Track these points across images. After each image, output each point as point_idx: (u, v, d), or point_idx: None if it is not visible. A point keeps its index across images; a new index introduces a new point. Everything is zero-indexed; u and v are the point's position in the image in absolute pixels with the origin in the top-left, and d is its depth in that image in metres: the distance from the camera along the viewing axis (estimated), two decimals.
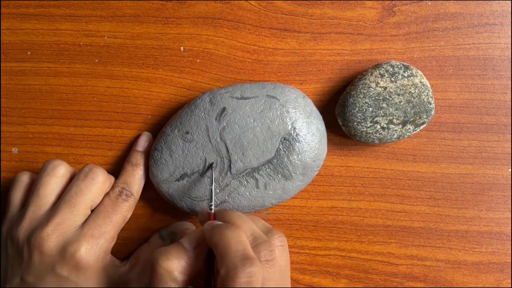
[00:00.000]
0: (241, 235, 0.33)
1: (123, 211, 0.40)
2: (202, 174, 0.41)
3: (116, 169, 0.44)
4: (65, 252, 0.37)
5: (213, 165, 0.40)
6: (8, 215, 0.40)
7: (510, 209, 0.44)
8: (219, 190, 0.41)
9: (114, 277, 0.39)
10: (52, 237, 0.37)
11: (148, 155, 0.42)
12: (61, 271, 0.37)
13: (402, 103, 0.41)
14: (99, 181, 0.40)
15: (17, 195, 0.41)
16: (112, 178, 0.42)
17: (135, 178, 0.42)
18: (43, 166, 0.40)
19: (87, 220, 0.39)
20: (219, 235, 0.32)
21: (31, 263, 0.37)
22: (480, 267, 0.44)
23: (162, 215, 0.44)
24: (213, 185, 0.38)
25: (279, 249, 0.35)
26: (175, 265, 0.33)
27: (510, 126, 0.44)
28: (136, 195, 0.42)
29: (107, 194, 0.41)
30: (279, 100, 0.40)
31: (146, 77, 0.44)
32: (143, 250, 0.42)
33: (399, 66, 0.41)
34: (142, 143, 0.43)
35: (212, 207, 0.37)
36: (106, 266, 0.39)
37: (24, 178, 0.41)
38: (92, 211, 0.40)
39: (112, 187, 0.41)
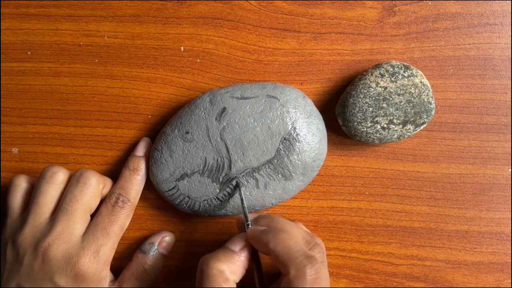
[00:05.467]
0: (295, 238, 0.35)
1: (120, 220, 0.40)
2: (202, 174, 0.41)
3: (116, 169, 0.44)
4: (65, 263, 0.38)
5: (240, 184, 0.41)
6: (8, 220, 0.41)
7: (510, 209, 0.44)
8: (219, 190, 0.41)
9: None
10: (54, 246, 0.38)
11: (147, 160, 0.42)
12: (59, 281, 0.38)
13: (402, 103, 0.41)
14: (91, 185, 0.40)
15: (15, 200, 0.41)
16: (107, 179, 0.42)
17: (132, 184, 0.42)
18: (42, 172, 0.40)
19: (86, 232, 0.39)
20: (275, 239, 0.34)
21: (31, 270, 0.38)
22: (481, 267, 0.44)
23: (162, 215, 0.44)
24: (245, 203, 0.39)
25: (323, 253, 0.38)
26: (226, 265, 0.35)
27: (510, 126, 0.44)
28: (133, 201, 0.41)
29: (104, 202, 0.41)
30: (279, 100, 0.40)
31: (146, 77, 0.44)
32: (128, 269, 0.42)
33: (399, 66, 0.41)
34: (141, 148, 0.43)
35: (249, 225, 0.38)
36: (102, 279, 0.39)
37: (20, 182, 0.41)
38: (92, 215, 0.41)
39: (109, 194, 0.41)
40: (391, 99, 0.40)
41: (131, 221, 0.43)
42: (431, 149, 0.44)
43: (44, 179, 0.40)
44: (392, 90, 0.40)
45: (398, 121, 0.41)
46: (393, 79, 0.40)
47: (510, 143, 0.44)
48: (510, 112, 0.43)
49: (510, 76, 0.43)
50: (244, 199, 0.40)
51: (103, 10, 0.43)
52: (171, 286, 0.45)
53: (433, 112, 0.41)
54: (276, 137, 0.40)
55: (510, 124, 0.44)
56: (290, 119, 0.40)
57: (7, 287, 0.38)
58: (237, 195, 0.41)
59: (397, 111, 0.41)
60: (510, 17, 0.43)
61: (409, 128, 0.41)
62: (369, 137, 0.41)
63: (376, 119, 0.41)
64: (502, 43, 0.43)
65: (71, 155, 0.44)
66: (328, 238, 0.44)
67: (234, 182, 0.41)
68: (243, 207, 0.39)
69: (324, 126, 0.42)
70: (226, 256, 0.35)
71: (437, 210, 0.44)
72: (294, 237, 0.35)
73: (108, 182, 0.42)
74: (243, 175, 0.41)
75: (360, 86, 0.41)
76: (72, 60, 0.44)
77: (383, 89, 0.40)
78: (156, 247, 0.42)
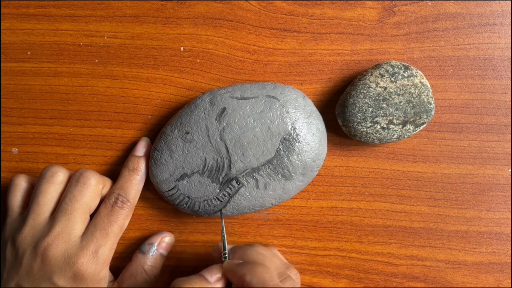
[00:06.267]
0: (270, 271, 0.35)
1: (119, 220, 0.40)
2: (202, 174, 0.41)
3: (116, 169, 0.44)
4: (64, 263, 0.38)
5: (222, 210, 0.41)
6: (8, 219, 0.41)
7: (510, 209, 0.44)
8: (219, 191, 0.41)
9: None
10: (53, 246, 0.38)
11: (146, 160, 0.42)
12: (58, 281, 0.38)
13: (402, 103, 0.41)
14: (91, 185, 0.40)
15: (15, 199, 0.41)
16: (106, 179, 0.42)
17: (132, 184, 0.42)
18: (42, 172, 0.40)
19: (85, 232, 0.39)
20: (251, 273, 0.34)
21: (30, 270, 0.38)
22: (480, 267, 0.44)
23: (162, 215, 0.44)
24: (224, 232, 0.40)
25: (297, 285, 0.38)
26: None
27: (510, 126, 0.44)
28: (132, 201, 0.41)
29: (103, 202, 0.41)
30: (279, 100, 0.40)
31: (146, 77, 0.44)
32: (128, 269, 0.42)
33: (399, 66, 0.41)
34: (140, 148, 0.43)
35: (226, 255, 0.39)
36: (101, 279, 0.39)
37: (20, 182, 0.41)
38: (92, 215, 0.41)
39: (108, 194, 0.41)
40: (391, 99, 0.40)
41: (130, 221, 0.43)
42: (431, 149, 0.44)
43: (44, 179, 0.40)
44: (392, 90, 0.40)
45: (398, 121, 0.41)
46: (393, 79, 0.40)
47: (510, 143, 0.44)
48: (510, 112, 0.43)
49: (510, 76, 0.43)
50: (224, 227, 0.40)
51: (103, 10, 0.43)
52: (171, 286, 0.45)
53: (433, 112, 0.41)
54: (276, 137, 0.40)
55: (510, 124, 0.44)
56: (290, 119, 0.40)
57: (7, 287, 0.38)
58: (237, 195, 0.41)
59: (397, 111, 0.41)
60: (510, 17, 0.43)
61: (409, 128, 0.41)
62: (369, 137, 0.41)
63: (376, 119, 0.41)
64: (502, 43, 0.43)
65: (71, 155, 0.44)
66: (328, 238, 0.45)
67: (234, 183, 0.41)
68: (223, 236, 0.40)
69: (324, 126, 0.42)
70: (200, 283, 0.35)
71: (437, 210, 0.44)
72: (270, 271, 0.35)
73: (108, 182, 0.42)
74: (243, 175, 0.41)
75: (360, 86, 0.41)
76: (72, 60, 0.44)
77: (383, 89, 0.40)
78: (155, 247, 0.42)
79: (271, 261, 0.38)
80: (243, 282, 0.34)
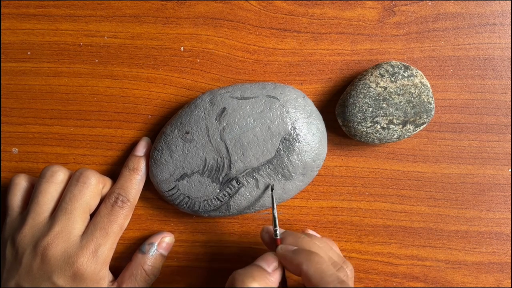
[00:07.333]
0: (326, 261, 0.35)
1: (119, 220, 0.40)
2: (202, 174, 0.41)
3: (116, 169, 0.44)
4: (63, 262, 0.38)
5: (273, 186, 0.41)
6: (8, 219, 0.41)
7: (510, 209, 0.44)
8: (219, 190, 0.41)
9: None
10: (52, 246, 0.38)
11: (147, 160, 0.42)
12: (57, 280, 0.38)
13: (402, 103, 0.41)
14: (91, 184, 0.40)
15: (15, 199, 0.41)
16: (106, 179, 0.42)
17: (132, 183, 0.42)
18: (42, 172, 0.40)
19: (85, 231, 0.39)
20: (308, 262, 0.34)
21: (29, 269, 0.38)
22: (480, 267, 0.44)
23: (162, 215, 0.44)
24: (275, 210, 0.39)
25: (350, 280, 0.38)
26: (259, 285, 0.34)
27: (510, 126, 0.44)
28: (132, 201, 0.41)
29: (103, 202, 0.41)
30: (279, 100, 0.40)
31: (146, 77, 0.44)
32: (128, 269, 0.42)
33: (399, 66, 0.41)
34: (141, 148, 0.43)
35: (278, 232, 0.38)
36: (101, 279, 0.39)
37: (20, 181, 0.41)
38: (92, 215, 0.40)
39: (108, 194, 0.41)
40: (391, 99, 0.40)
41: (131, 221, 0.43)
42: (431, 149, 0.44)
43: (44, 179, 0.40)
44: (392, 90, 0.40)
45: (398, 121, 0.41)
46: (393, 79, 0.40)
47: (510, 143, 0.44)
48: (510, 112, 0.43)
49: (510, 76, 0.43)
50: (275, 202, 0.39)
51: (103, 10, 0.43)
52: (171, 286, 0.45)
53: (433, 112, 0.41)
54: (276, 137, 0.40)
55: (510, 124, 0.44)
56: (290, 119, 0.40)
57: (6, 286, 0.38)
58: (237, 195, 0.41)
59: (397, 111, 0.41)
60: (510, 17, 0.43)
61: (409, 128, 0.41)
62: (369, 137, 0.41)
63: (376, 119, 0.41)
64: (502, 43, 0.43)
65: (71, 155, 0.44)
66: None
67: (234, 183, 0.41)
68: (274, 215, 0.38)
69: (324, 126, 0.42)
70: (260, 275, 0.34)
71: (437, 210, 0.44)
72: (325, 261, 0.35)
73: (108, 182, 0.42)
74: (243, 175, 0.41)
75: (360, 86, 0.41)
76: (72, 60, 0.44)
77: (383, 89, 0.40)
78: (155, 247, 0.42)
79: (325, 252, 0.37)
80: (299, 270, 0.34)
